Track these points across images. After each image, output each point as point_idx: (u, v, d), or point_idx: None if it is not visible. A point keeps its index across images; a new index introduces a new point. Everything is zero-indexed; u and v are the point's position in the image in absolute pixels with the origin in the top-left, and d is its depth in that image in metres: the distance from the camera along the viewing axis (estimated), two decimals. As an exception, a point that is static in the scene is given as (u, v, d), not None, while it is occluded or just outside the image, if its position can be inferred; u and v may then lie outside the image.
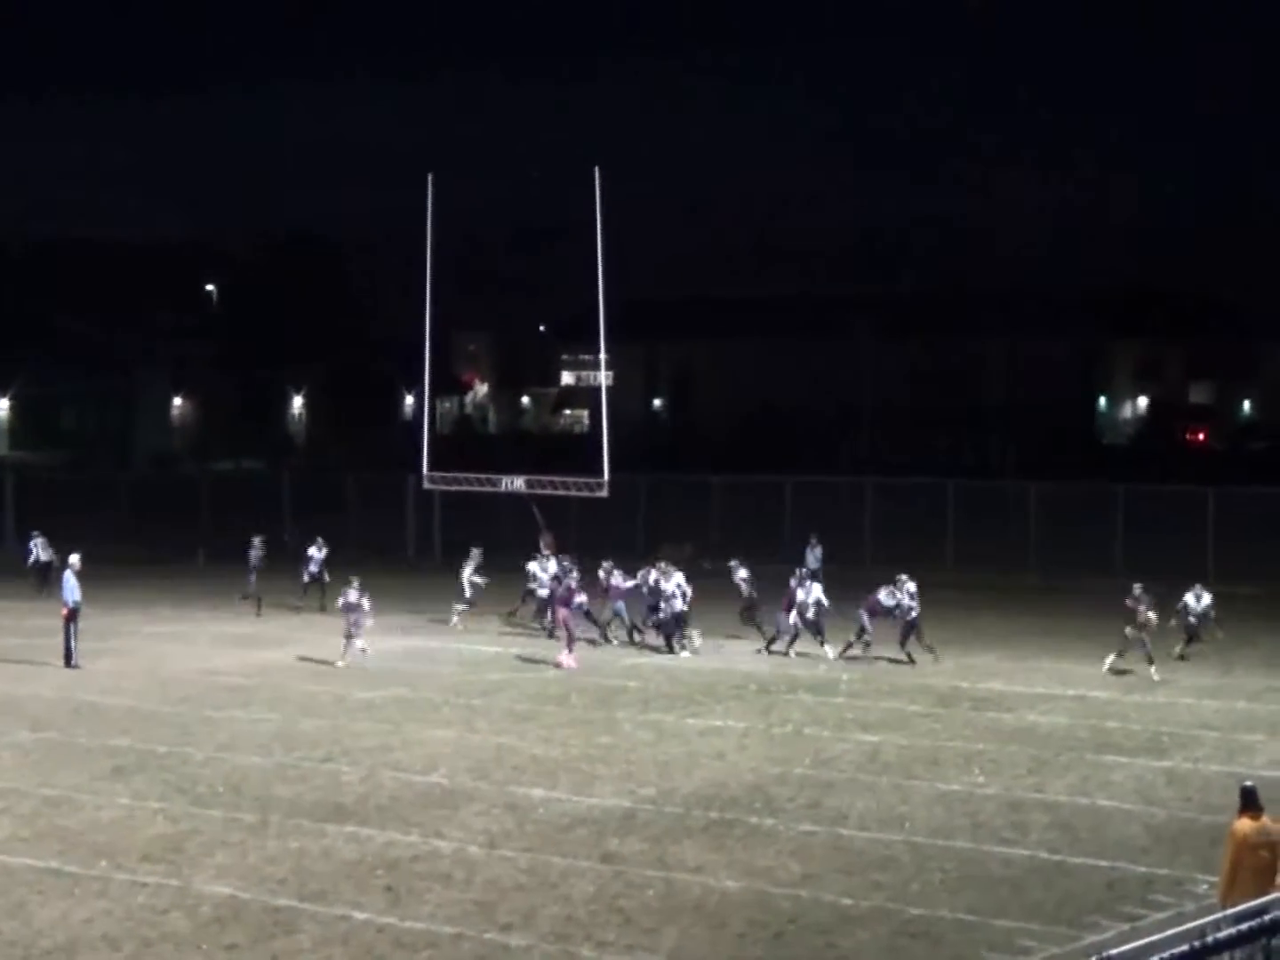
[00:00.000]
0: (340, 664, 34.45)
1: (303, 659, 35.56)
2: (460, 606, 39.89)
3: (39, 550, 45.64)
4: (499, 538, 44.58)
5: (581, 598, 36.54)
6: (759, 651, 36.56)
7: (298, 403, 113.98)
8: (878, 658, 35.16)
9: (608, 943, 18.05)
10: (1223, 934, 13.75)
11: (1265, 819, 16.43)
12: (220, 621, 41.50)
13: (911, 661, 34.73)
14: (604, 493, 39.33)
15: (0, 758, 26.37)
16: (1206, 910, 16.64)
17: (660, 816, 22.94)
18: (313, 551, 42.85)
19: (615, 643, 37.78)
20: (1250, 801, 16.44)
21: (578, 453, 51.78)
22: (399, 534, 56.09)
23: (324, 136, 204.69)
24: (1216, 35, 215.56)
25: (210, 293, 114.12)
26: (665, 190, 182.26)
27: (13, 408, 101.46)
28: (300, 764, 25.91)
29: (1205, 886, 18.99)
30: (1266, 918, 14.18)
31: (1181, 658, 35.06)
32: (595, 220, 39.55)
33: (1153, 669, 33.21)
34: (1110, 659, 33.90)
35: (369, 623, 34.99)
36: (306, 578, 42.76)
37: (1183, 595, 35.82)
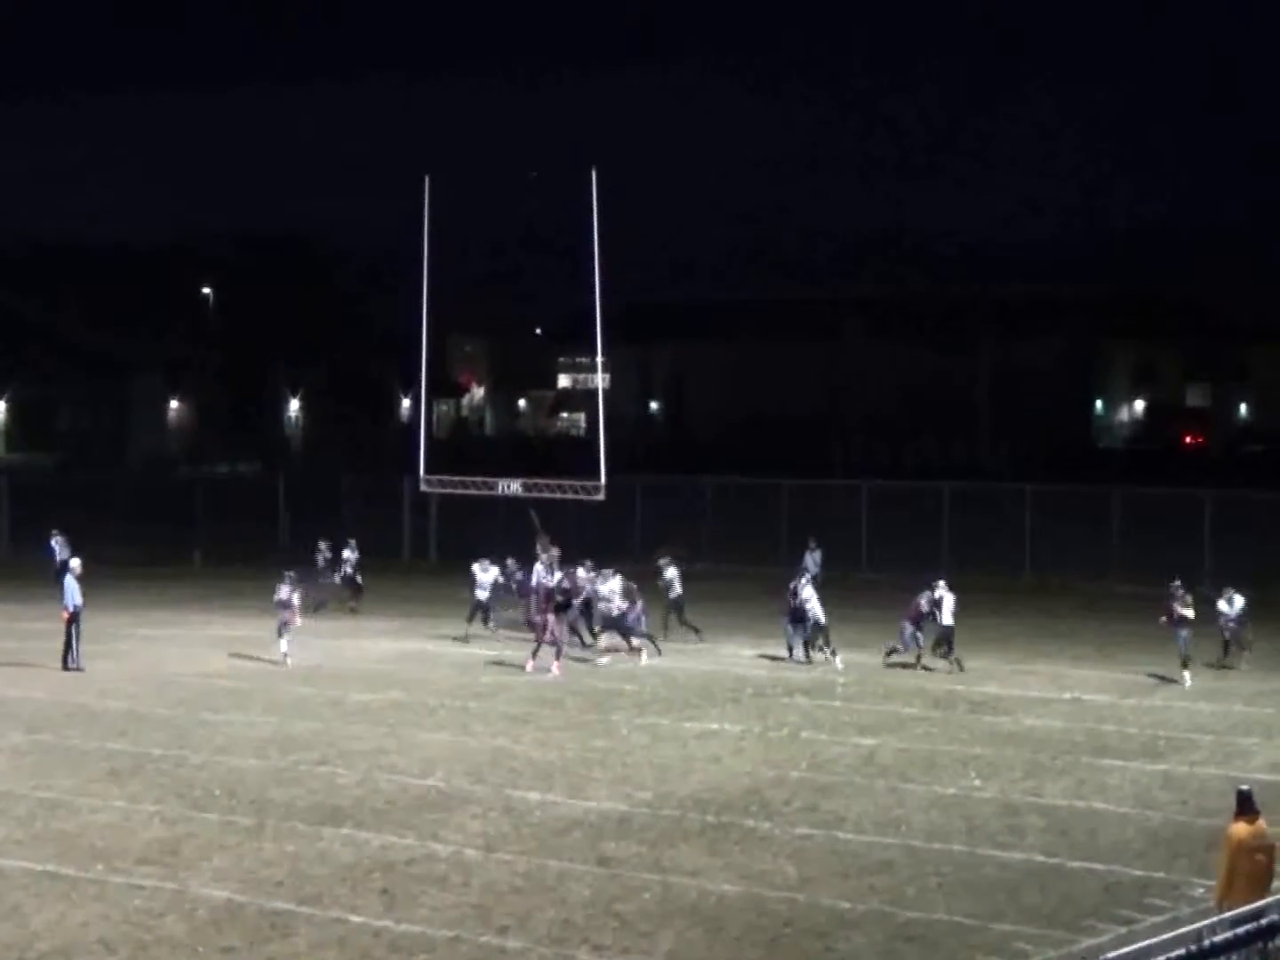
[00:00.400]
0: (278, 660, 34.78)
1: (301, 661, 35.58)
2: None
3: (60, 550, 45.54)
4: (496, 541, 44.52)
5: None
6: (826, 661, 35.04)
7: (294, 405, 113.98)
8: (924, 667, 34.42)
9: (604, 946, 18.05)
10: (1219, 938, 13.76)
11: (1261, 822, 16.45)
12: (216, 625, 41.47)
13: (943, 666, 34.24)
14: (601, 496, 39.25)
15: (-4, 761, 26.37)
16: (1203, 914, 16.62)
17: (656, 820, 22.93)
18: (347, 554, 43.36)
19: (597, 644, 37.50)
20: (1246, 805, 16.45)
21: (574, 456, 51.75)
22: (395, 537, 56.04)
23: (320, 139, 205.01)
24: (1215, 36, 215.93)
25: (206, 295, 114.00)
26: (661, 193, 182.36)
27: (8, 410, 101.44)
28: (296, 767, 25.89)
29: (1202, 890, 18.99)
30: (1263, 921, 14.18)
31: (1225, 666, 34.07)
32: (592, 223, 39.50)
33: (1186, 673, 32.71)
34: (1188, 675, 32.80)
35: (298, 622, 35.26)
36: (340, 580, 43.19)
37: (1216, 602, 34.39)
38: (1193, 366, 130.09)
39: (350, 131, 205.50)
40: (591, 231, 39.50)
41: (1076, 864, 20.90)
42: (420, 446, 42.99)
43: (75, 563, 35.51)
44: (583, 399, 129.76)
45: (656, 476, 55.38)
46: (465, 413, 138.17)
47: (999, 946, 17.94)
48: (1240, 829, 16.28)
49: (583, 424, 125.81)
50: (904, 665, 34.63)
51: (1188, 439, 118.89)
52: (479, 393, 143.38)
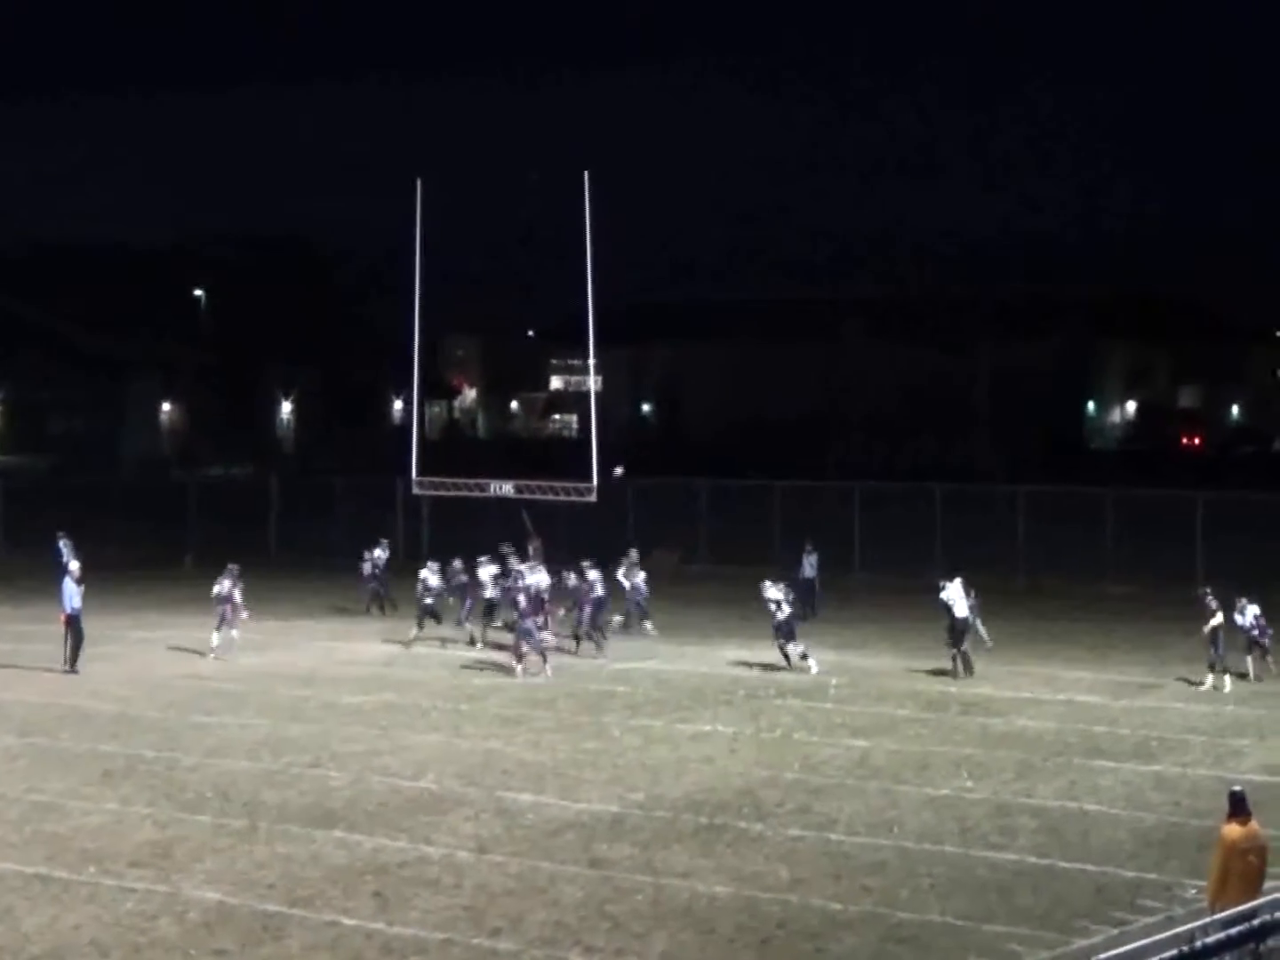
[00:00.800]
0: (210, 656, 35.34)
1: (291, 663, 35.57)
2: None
3: (67, 552, 45.47)
4: (488, 542, 44.48)
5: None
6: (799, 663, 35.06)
7: (286, 407, 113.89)
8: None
9: (596, 948, 18.04)
10: (1211, 938, 13.78)
11: (1254, 824, 16.45)
12: (208, 627, 41.34)
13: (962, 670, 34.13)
14: (593, 498, 39.23)
15: (-12, 763, 26.35)
16: (1195, 915, 16.62)
17: (649, 821, 22.93)
18: (378, 553, 43.54)
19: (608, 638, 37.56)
20: (1239, 806, 16.45)
21: (566, 457, 51.68)
22: (388, 539, 55.85)
23: (319, 139, 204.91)
24: (1215, 36, 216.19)
25: (199, 297, 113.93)
26: (661, 193, 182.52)
27: (1, 412, 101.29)
28: (288, 769, 25.87)
29: (1194, 891, 18.99)
30: (1255, 922, 14.20)
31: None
32: (585, 224, 39.51)
33: (1210, 677, 32.36)
34: (1210, 680, 32.41)
35: (244, 615, 35.48)
36: (376, 580, 43.40)
37: (1230, 614, 33.19)
38: (1186, 367, 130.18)
39: (349, 132, 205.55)
40: (584, 233, 39.54)
41: (1069, 865, 20.90)
42: (413, 448, 43.00)
43: (74, 566, 35.47)
44: (575, 400, 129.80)
45: (649, 479, 55.26)
46: (457, 414, 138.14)
47: (991, 947, 17.94)
48: (1233, 830, 16.29)
49: (575, 426, 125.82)
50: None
51: (1187, 440, 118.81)
52: (471, 394, 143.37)
